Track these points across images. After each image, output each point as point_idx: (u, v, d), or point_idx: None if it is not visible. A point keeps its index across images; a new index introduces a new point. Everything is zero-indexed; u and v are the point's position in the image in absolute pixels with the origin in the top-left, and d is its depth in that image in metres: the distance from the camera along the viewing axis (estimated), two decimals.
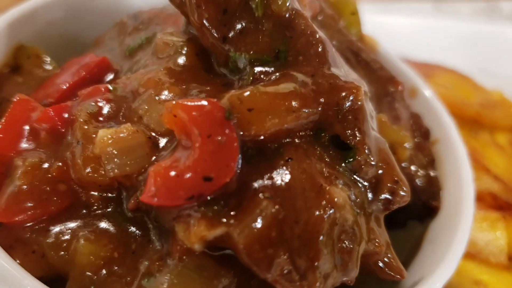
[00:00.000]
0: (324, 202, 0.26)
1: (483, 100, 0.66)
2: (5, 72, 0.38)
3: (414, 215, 0.40)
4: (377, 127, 0.36)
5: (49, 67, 0.38)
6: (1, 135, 0.31)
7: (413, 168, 0.37)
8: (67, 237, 0.28)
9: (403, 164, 0.37)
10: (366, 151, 0.28)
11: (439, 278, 0.31)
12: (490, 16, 1.03)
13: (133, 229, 0.27)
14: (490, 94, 0.69)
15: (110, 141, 0.27)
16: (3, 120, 0.31)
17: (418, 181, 0.38)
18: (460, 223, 0.34)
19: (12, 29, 0.39)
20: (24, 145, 0.31)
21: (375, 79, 0.39)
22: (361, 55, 0.40)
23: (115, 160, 0.27)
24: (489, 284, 0.46)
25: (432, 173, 0.39)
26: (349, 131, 0.28)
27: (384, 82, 0.39)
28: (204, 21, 0.30)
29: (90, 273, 0.27)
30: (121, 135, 0.27)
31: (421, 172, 0.38)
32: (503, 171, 0.60)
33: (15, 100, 0.32)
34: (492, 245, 0.50)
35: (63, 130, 0.31)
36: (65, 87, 0.34)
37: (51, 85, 0.35)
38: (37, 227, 0.29)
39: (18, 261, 0.27)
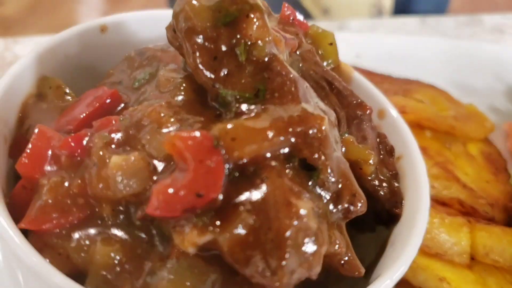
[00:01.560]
0: (291, 213, 0.32)
1: (457, 113, 0.72)
2: (31, 102, 0.44)
3: (381, 221, 0.46)
4: (343, 147, 0.42)
5: (68, 97, 0.44)
6: (27, 161, 0.37)
7: (377, 181, 0.44)
8: (86, 242, 0.34)
9: (369, 178, 0.43)
10: (328, 170, 0.35)
11: (394, 274, 0.37)
12: (473, 29, 1.09)
13: (140, 235, 0.34)
14: (464, 107, 0.75)
15: (120, 166, 0.33)
16: (28, 148, 0.37)
17: (382, 192, 0.44)
18: (415, 228, 0.40)
19: (37, 63, 0.45)
20: (47, 167, 0.38)
21: (346, 104, 0.46)
22: (334, 83, 0.46)
23: (123, 182, 0.34)
24: (452, 280, 0.52)
25: (395, 185, 0.45)
26: (315, 155, 0.35)
27: (354, 107, 0.45)
28: (199, 65, 0.37)
29: (105, 271, 0.34)
30: (129, 162, 0.33)
31: (385, 185, 0.44)
32: (473, 179, 0.65)
33: (36, 131, 0.38)
34: (457, 246, 0.55)
35: (80, 155, 0.37)
36: (82, 116, 0.40)
37: (70, 114, 0.41)
38: (61, 234, 0.36)
39: (48, 261, 0.34)
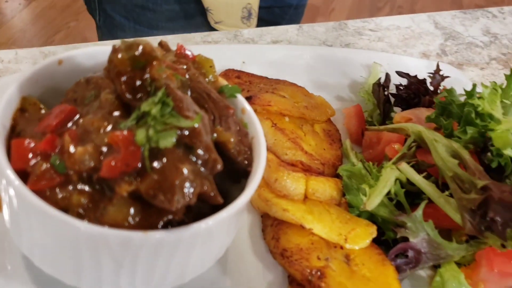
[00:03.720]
0: (179, 172, 0.61)
1: (308, 103, 1.03)
2: (18, 114, 0.70)
3: (241, 176, 0.76)
4: (215, 134, 0.71)
5: (42, 111, 0.70)
6: (16, 162, 0.61)
7: (237, 152, 0.74)
8: (67, 194, 0.61)
9: (232, 150, 0.73)
10: (200, 148, 0.64)
11: (241, 200, 0.67)
12: (338, 32, 1.42)
13: (96, 188, 0.61)
14: (315, 98, 1.07)
15: (83, 153, 0.61)
16: (12, 157, 0.62)
17: (240, 158, 0.74)
18: (256, 178, 0.70)
19: (20, 88, 0.69)
20: (32, 161, 0.63)
21: (218, 107, 0.74)
22: (211, 94, 0.75)
23: (85, 162, 0.61)
24: (290, 210, 0.84)
25: (248, 154, 0.75)
26: (192, 141, 0.64)
27: (223, 108, 0.75)
28: (124, 92, 0.64)
29: (78, 209, 0.61)
30: (87, 150, 0.61)
31: (242, 154, 0.74)
32: (314, 148, 0.97)
33: (13, 142, 0.63)
34: (296, 190, 0.87)
35: (52, 150, 0.63)
36: (54, 123, 0.66)
37: (46, 121, 0.66)
38: (51, 191, 0.62)
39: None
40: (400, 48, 1.41)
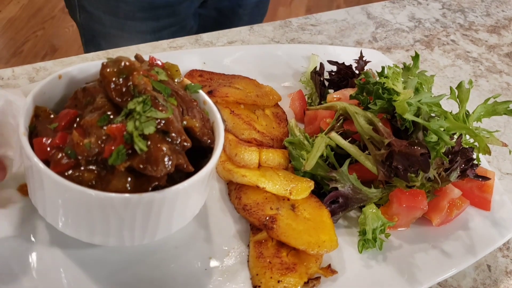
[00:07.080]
0: (160, 150, 0.85)
1: (259, 92, 1.27)
2: (34, 119, 0.92)
3: (208, 151, 1.01)
4: (185, 122, 0.95)
5: (52, 115, 0.93)
6: (39, 154, 0.85)
7: (202, 134, 0.98)
8: (79, 173, 0.84)
9: (198, 133, 0.98)
10: (173, 132, 0.87)
11: (208, 167, 0.91)
12: (284, 29, 1.66)
13: (101, 166, 0.85)
14: (264, 88, 1.31)
15: (88, 144, 0.84)
16: (35, 149, 0.81)
17: (205, 138, 0.98)
18: (216, 152, 0.95)
19: (33, 99, 0.92)
20: (50, 153, 0.85)
21: (185, 101, 0.98)
22: (179, 92, 0.99)
23: (90, 149, 0.84)
24: (248, 175, 1.07)
25: (211, 135, 0.99)
26: (168, 128, 0.87)
27: (188, 102, 0.98)
28: (114, 96, 0.87)
29: (89, 182, 0.84)
30: (91, 141, 0.84)
31: (206, 135, 0.99)
32: (265, 127, 1.21)
33: (34, 141, 0.85)
34: (252, 160, 1.12)
35: (63, 144, 0.86)
36: (63, 124, 0.89)
37: (56, 123, 0.90)
38: (68, 172, 0.85)
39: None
40: (337, 39, 1.66)
